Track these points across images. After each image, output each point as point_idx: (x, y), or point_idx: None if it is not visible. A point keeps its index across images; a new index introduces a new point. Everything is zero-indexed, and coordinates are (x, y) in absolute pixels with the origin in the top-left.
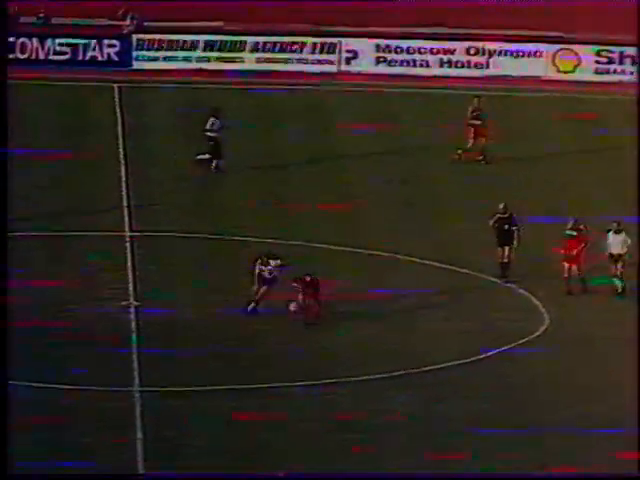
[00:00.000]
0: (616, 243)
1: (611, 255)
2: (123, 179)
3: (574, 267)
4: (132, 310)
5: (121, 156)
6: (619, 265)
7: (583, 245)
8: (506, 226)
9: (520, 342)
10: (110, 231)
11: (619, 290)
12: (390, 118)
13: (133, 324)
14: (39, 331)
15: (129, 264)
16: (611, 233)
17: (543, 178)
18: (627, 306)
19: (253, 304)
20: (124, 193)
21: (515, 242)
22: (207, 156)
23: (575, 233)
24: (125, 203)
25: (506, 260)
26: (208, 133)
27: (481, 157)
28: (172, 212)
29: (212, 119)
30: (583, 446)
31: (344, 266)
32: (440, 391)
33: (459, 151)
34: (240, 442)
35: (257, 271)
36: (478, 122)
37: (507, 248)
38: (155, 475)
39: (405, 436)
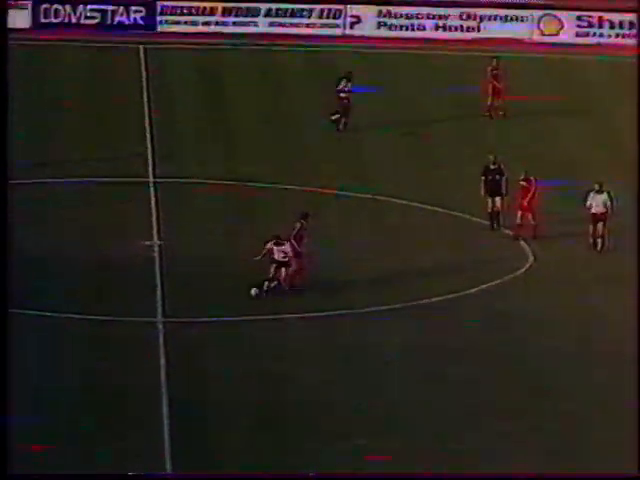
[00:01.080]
0: (597, 203)
1: (593, 215)
2: (147, 129)
3: (527, 214)
4: (156, 248)
5: (145, 108)
6: (599, 225)
7: (531, 194)
8: (497, 176)
9: (506, 278)
10: (135, 177)
11: (599, 249)
12: (390, 76)
13: (157, 261)
14: (72, 265)
15: (153, 207)
16: (592, 193)
17: (530, 132)
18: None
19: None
20: (148, 142)
21: (504, 191)
22: (337, 115)
23: (525, 184)
24: (149, 151)
25: (496, 210)
26: (341, 94)
27: (488, 113)
28: (194, 161)
29: (344, 81)
30: (562, 365)
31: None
32: (434, 322)
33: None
34: (253, 367)
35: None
36: (495, 81)
37: (497, 199)
38: (155, 475)
39: (402, 362)
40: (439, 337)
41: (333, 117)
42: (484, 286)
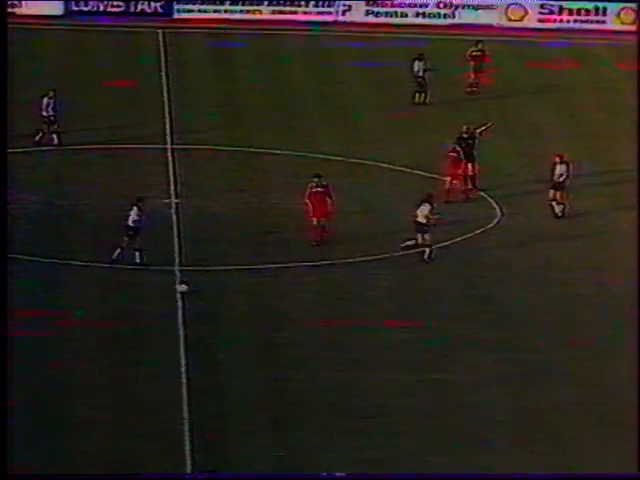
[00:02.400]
0: (558, 173)
1: (553, 182)
2: (166, 102)
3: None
4: (173, 205)
5: (164, 85)
6: (558, 192)
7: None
8: (470, 141)
9: (478, 232)
10: (155, 144)
11: (559, 214)
12: (376, 56)
13: (174, 216)
14: (100, 220)
15: (170, 170)
16: (557, 164)
17: (502, 107)
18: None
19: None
20: (166, 113)
21: (475, 158)
22: (418, 94)
23: (455, 155)
24: (167, 122)
25: (471, 173)
26: (417, 74)
27: (469, 89)
28: (207, 130)
29: (417, 62)
30: (527, 303)
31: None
32: (416, 270)
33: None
34: (259, 309)
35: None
36: (473, 61)
37: (470, 164)
38: (155, 475)
39: (388, 305)
40: (418, 283)
41: (415, 99)
42: (457, 239)
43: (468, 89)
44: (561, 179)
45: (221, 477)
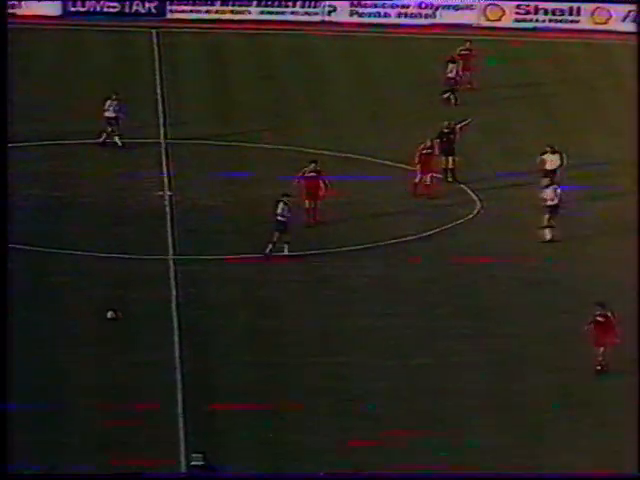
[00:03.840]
0: (551, 162)
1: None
2: (159, 99)
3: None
4: (167, 197)
5: (157, 81)
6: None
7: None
8: (451, 136)
9: (458, 222)
10: (149, 138)
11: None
12: (360, 54)
13: (167, 208)
14: (96, 211)
15: (164, 164)
16: (547, 154)
17: (480, 102)
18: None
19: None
20: (160, 109)
21: (454, 151)
22: (448, 94)
23: (430, 151)
24: (161, 117)
25: (451, 167)
26: (448, 75)
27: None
28: (199, 123)
29: (450, 64)
30: (503, 291)
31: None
32: (399, 259)
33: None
34: (247, 296)
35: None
36: (462, 59)
37: (450, 158)
38: (156, 475)
39: (372, 293)
40: (400, 272)
41: (445, 95)
42: (438, 229)
43: (467, 86)
44: (553, 167)
45: (221, 477)
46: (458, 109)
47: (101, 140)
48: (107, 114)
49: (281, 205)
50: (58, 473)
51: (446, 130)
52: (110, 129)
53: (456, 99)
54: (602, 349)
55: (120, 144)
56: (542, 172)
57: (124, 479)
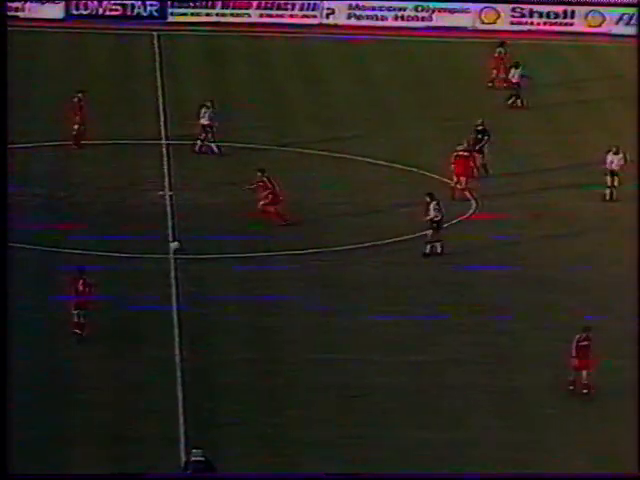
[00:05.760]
0: (613, 162)
1: (611, 172)
2: (160, 100)
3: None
4: (167, 197)
5: (158, 82)
6: (615, 180)
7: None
8: (479, 136)
9: (453, 222)
10: (151, 139)
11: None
12: (358, 56)
13: (168, 207)
14: (99, 211)
15: (165, 164)
16: (610, 154)
17: (476, 104)
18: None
19: None
20: (161, 111)
21: (485, 149)
22: (513, 98)
23: (466, 154)
24: (162, 118)
25: (482, 162)
26: (512, 80)
27: (490, 84)
28: (197, 125)
29: (513, 69)
30: (500, 287)
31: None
32: (396, 258)
33: (490, 84)
34: (249, 295)
35: None
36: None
37: (480, 155)
38: (156, 475)
39: (370, 291)
40: (398, 270)
41: (510, 101)
42: None
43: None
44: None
45: (221, 477)
46: (453, 110)
47: (197, 148)
48: (202, 121)
49: (433, 205)
50: (58, 473)
51: (479, 127)
52: (205, 136)
53: (522, 102)
54: (585, 372)
55: (217, 151)
56: (606, 171)
57: (124, 479)
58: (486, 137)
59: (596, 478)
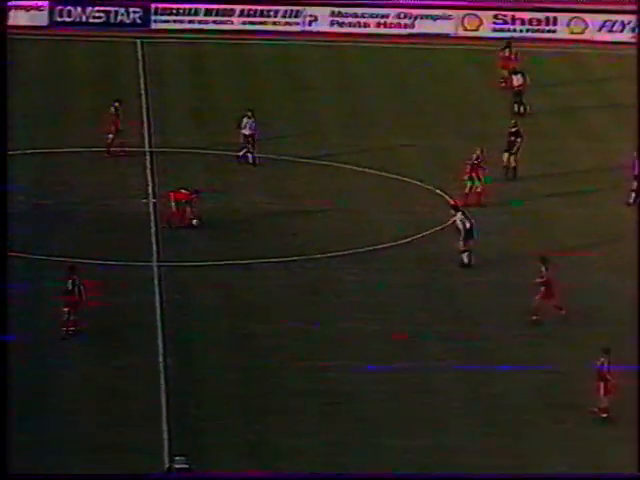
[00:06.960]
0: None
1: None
2: (144, 107)
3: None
4: (151, 205)
5: (142, 89)
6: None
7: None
8: (512, 138)
9: (436, 229)
10: (134, 147)
11: None
12: (340, 63)
13: (152, 215)
14: (82, 218)
15: (148, 172)
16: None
17: (459, 109)
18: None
19: None
20: (144, 118)
21: (515, 149)
22: (516, 105)
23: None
24: (145, 124)
25: (513, 165)
26: (514, 89)
27: (504, 83)
28: (183, 134)
29: (514, 76)
30: (482, 294)
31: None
32: (379, 265)
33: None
34: (232, 302)
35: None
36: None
37: (513, 157)
38: (157, 475)
39: (353, 298)
40: (382, 277)
41: (515, 107)
42: (418, 235)
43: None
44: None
45: (221, 477)
46: (433, 117)
47: (241, 154)
48: (244, 132)
49: (459, 215)
50: (58, 473)
51: (513, 129)
52: (250, 145)
53: (525, 108)
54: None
55: (252, 162)
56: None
57: (124, 479)
58: (519, 139)
59: (596, 478)
